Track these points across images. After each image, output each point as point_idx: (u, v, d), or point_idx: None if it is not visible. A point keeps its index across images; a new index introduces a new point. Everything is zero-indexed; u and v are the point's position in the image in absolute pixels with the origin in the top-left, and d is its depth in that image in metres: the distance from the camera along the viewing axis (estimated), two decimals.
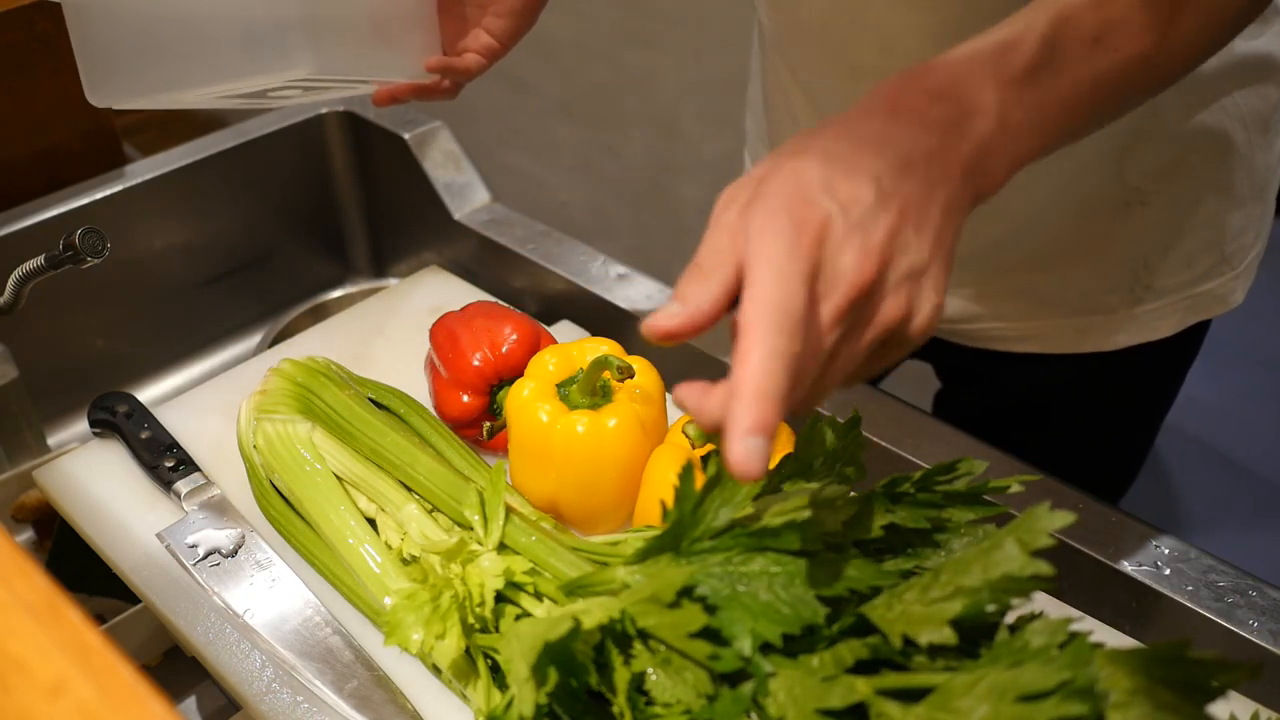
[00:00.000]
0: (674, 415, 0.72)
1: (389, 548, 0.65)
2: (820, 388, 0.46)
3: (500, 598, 0.59)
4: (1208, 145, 0.78)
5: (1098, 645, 0.45)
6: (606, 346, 0.72)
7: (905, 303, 0.46)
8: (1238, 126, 0.78)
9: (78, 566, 0.77)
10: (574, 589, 0.57)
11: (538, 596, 0.59)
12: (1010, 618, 0.49)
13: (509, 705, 0.50)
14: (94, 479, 0.76)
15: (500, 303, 0.83)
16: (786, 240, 0.43)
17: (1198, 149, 0.78)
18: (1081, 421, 0.93)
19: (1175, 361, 0.90)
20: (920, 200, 0.46)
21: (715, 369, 0.85)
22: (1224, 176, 0.80)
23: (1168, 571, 0.67)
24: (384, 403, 0.74)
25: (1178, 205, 0.79)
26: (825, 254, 0.44)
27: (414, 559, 0.64)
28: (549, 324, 0.87)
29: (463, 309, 0.80)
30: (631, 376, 0.67)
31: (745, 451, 0.41)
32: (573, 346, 0.72)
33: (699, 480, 0.54)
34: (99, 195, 1.00)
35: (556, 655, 0.49)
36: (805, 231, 0.44)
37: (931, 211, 0.46)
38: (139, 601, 0.71)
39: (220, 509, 0.72)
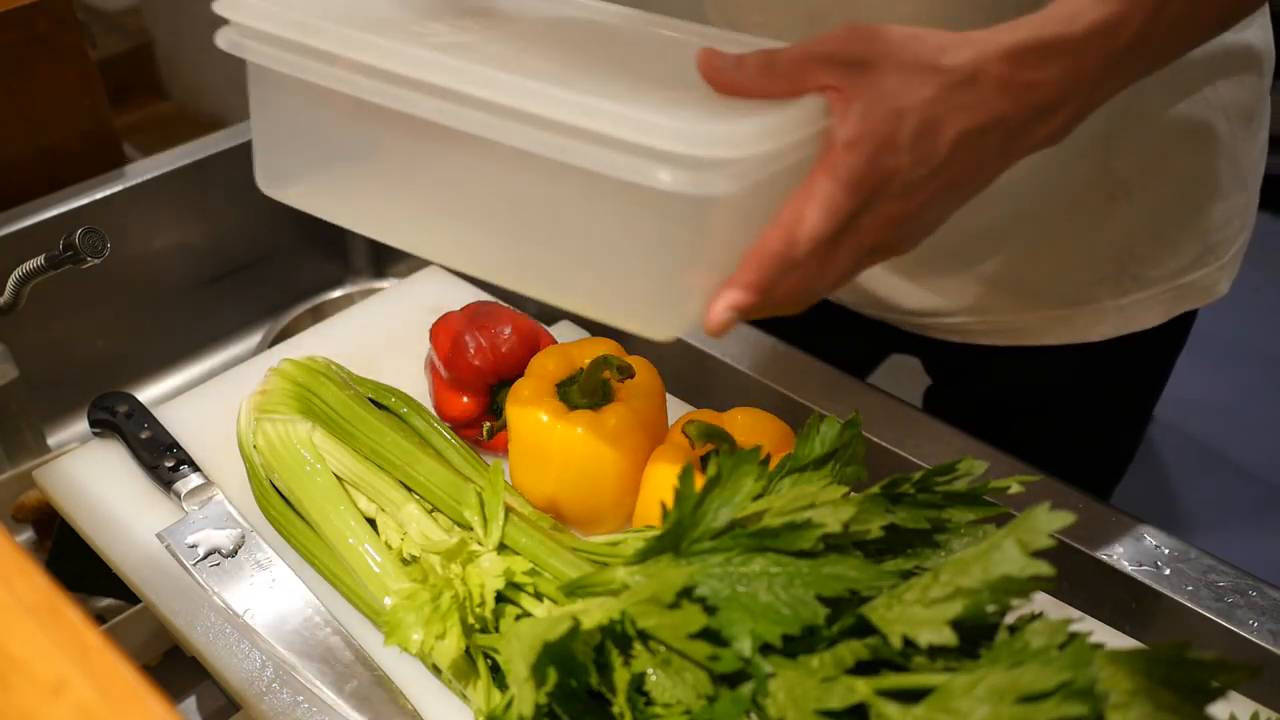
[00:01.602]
0: (674, 415, 0.72)
1: (389, 548, 0.65)
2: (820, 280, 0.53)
3: (500, 598, 0.59)
4: (1191, 137, 0.78)
5: (1098, 646, 0.46)
6: (606, 346, 0.72)
7: (897, 242, 0.54)
8: (1220, 118, 0.79)
9: (78, 566, 0.77)
10: (574, 589, 0.57)
11: (538, 597, 0.59)
12: (1010, 618, 0.49)
13: (509, 705, 0.50)
14: (94, 479, 0.76)
15: (500, 303, 0.83)
16: (853, 182, 0.50)
17: (1181, 141, 0.79)
18: (1070, 415, 0.93)
19: (1162, 352, 0.91)
20: (971, 172, 0.53)
21: (715, 367, 0.85)
22: (1207, 168, 0.80)
23: (1168, 571, 0.67)
24: (384, 403, 0.74)
25: (1162, 197, 0.80)
26: (871, 202, 0.51)
27: (414, 559, 0.64)
28: (549, 324, 0.87)
29: (462, 309, 0.80)
30: (631, 376, 0.67)
31: (720, 309, 0.51)
32: (573, 346, 0.72)
33: (699, 481, 0.54)
34: (99, 195, 1.00)
35: (556, 655, 0.49)
36: (868, 181, 0.50)
37: (973, 183, 0.54)
38: (139, 601, 0.71)
39: (220, 509, 0.72)
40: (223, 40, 0.57)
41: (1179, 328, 0.88)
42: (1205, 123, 0.78)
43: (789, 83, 0.50)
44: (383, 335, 0.89)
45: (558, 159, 0.49)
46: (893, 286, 0.90)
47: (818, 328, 0.98)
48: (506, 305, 0.82)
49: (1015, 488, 0.55)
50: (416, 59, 0.52)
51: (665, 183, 0.47)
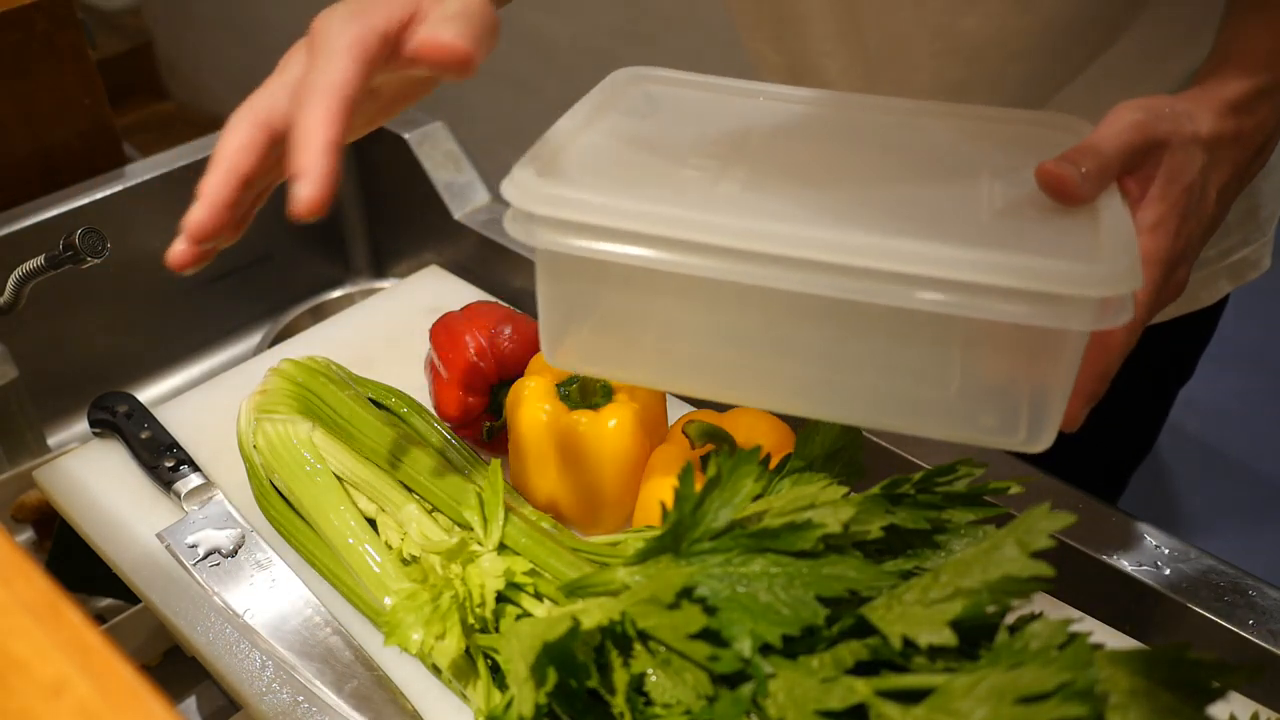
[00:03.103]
0: (674, 415, 0.72)
1: (389, 548, 0.65)
2: None
3: (500, 598, 0.59)
4: None
5: (1098, 646, 0.45)
6: None
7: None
8: None
9: (78, 566, 0.77)
10: (574, 589, 0.57)
11: (538, 597, 0.59)
12: (1010, 618, 0.49)
13: (509, 705, 0.50)
14: (94, 479, 0.76)
15: (500, 303, 0.83)
16: (1163, 259, 0.54)
17: None
18: (1112, 396, 0.94)
19: (1203, 331, 0.93)
20: (1223, 215, 0.58)
21: None
22: None
23: (1168, 571, 0.67)
24: (384, 403, 0.74)
25: None
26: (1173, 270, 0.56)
27: (414, 559, 0.64)
28: None
29: (463, 309, 0.80)
30: None
31: (1080, 413, 0.54)
32: None
33: (699, 481, 0.54)
34: (99, 195, 1.00)
35: (556, 655, 0.49)
36: (1174, 255, 0.55)
37: (1220, 221, 0.58)
38: (139, 601, 0.71)
39: (220, 509, 0.72)
40: (515, 231, 0.52)
41: (1219, 308, 0.90)
42: None
43: (1109, 182, 0.54)
44: (383, 335, 0.89)
45: (942, 312, 0.47)
46: None
47: None
48: (506, 305, 0.82)
49: (1015, 488, 0.55)
50: (761, 233, 0.49)
51: (1084, 325, 0.47)
